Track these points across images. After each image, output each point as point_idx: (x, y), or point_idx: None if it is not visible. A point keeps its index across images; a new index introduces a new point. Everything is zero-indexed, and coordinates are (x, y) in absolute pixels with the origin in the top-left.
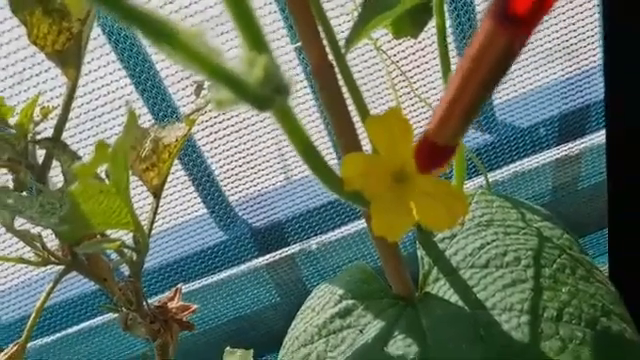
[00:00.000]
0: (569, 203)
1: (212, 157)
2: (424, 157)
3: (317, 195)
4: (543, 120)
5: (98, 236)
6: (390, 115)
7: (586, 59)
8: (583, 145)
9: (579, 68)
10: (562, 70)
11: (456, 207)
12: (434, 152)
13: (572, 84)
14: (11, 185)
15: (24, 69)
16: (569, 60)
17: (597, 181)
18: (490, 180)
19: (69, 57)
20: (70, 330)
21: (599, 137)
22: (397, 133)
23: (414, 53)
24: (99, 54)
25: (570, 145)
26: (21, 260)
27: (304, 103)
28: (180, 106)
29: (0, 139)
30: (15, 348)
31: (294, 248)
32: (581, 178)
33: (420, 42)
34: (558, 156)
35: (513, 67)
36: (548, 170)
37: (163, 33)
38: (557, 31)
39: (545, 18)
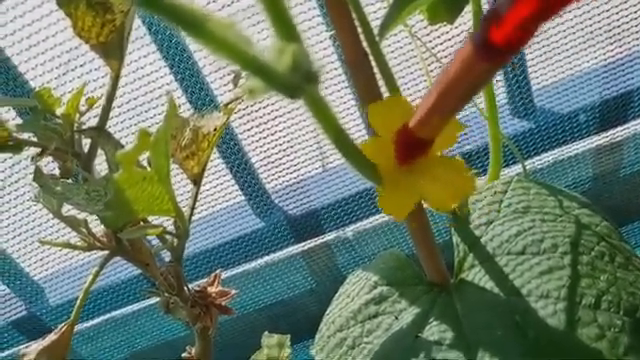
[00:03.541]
0: (610, 191)
1: (249, 145)
2: (403, 146)
3: (353, 183)
4: (583, 106)
5: (141, 222)
6: (389, 102)
7: (629, 43)
8: (625, 132)
9: (621, 52)
10: (603, 54)
11: (461, 185)
12: (413, 142)
13: (614, 69)
14: (58, 173)
15: (69, 60)
16: (611, 44)
17: (639, 169)
18: (529, 168)
19: (112, 49)
20: (115, 313)
21: None
22: (398, 118)
23: (450, 39)
24: (140, 45)
25: (611, 132)
26: (68, 245)
27: (339, 91)
28: (218, 95)
29: (48, 129)
30: (64, 328)
31: (330, 235)
32: (623, 166)
33: (456, 27)
34: (599, 143)
35: (552, 51)
36: (588, 158)
37: (193, 22)
38: (599, 14)
39: (587, 0)
